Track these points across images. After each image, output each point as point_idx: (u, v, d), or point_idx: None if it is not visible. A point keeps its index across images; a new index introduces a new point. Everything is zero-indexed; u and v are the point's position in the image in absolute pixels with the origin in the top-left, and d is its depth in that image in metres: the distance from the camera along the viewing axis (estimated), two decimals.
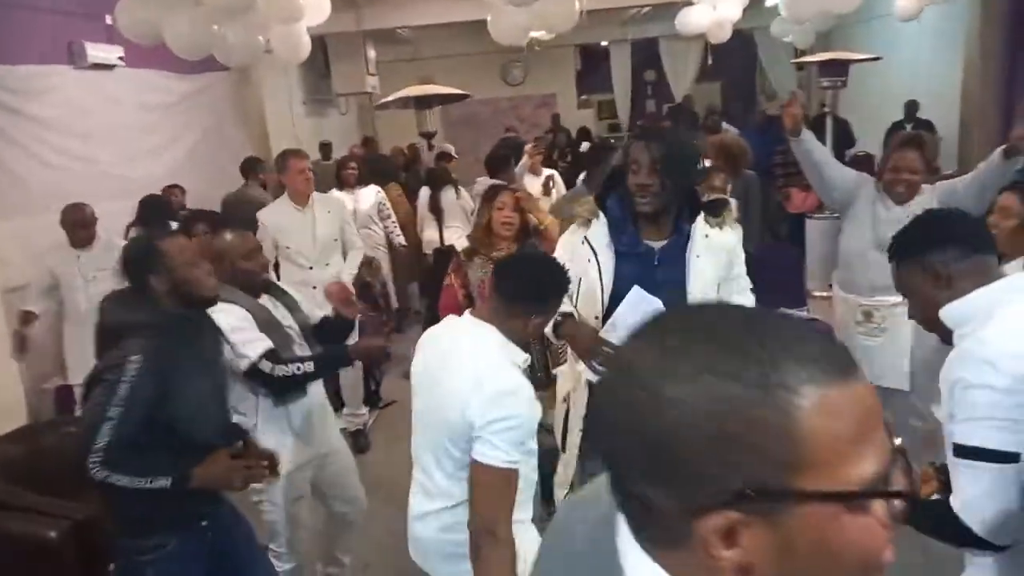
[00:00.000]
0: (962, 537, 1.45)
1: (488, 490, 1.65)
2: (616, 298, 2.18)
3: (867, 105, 9.01)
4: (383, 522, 3.61)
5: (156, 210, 5.10)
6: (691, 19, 6.23)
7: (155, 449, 1.95)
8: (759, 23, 9.25)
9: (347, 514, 2.97)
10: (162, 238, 2.15)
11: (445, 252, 5.58)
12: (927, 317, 1.61)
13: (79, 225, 4.12)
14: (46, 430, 3.44)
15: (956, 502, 1.46)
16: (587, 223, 2.25)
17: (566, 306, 2.21)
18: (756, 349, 0.54)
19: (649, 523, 0.58)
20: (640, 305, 2.09)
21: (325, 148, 9.63)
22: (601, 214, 2.23)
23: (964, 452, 1.43)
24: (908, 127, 8.05)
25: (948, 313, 1.52)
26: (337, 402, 4.30)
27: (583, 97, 12.92)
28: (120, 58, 5.74)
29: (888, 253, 1.70)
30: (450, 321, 1.98)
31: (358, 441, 4.41)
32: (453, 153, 7.90)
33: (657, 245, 2.17)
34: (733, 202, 2.31)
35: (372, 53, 10.05)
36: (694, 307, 0.66)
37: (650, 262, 2.18)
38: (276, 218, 4.28)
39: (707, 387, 0.53)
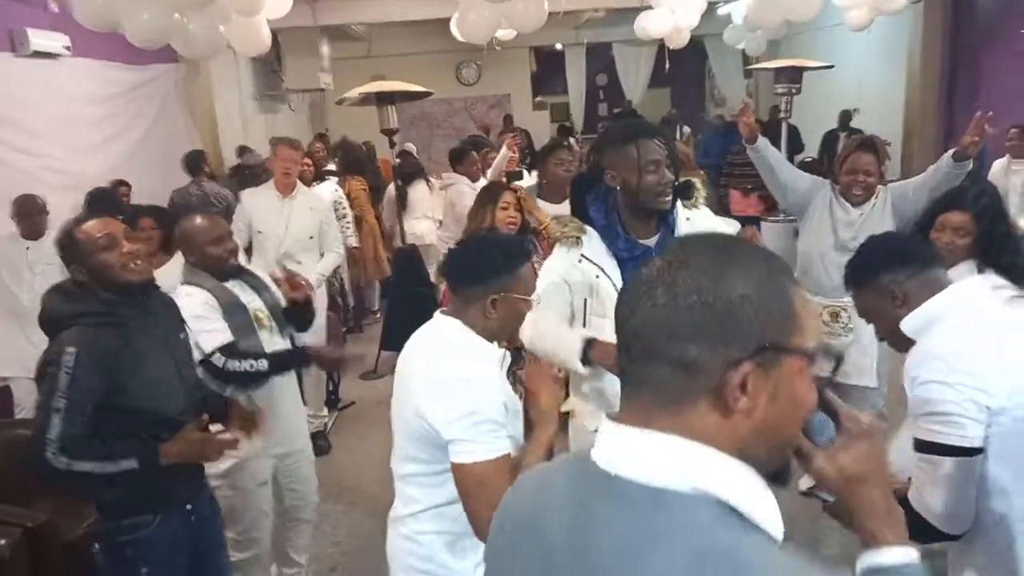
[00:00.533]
0: (920, 529, 1.48)
1: (477, 487, 1.53)
2: None
3: (813, 112, 9.26)
4: (347, 525, 3.56)
5: (103, 204, 4.92)
6: (649, 24, 6.29)
7: (116, 434, 1.94)
8: (710, 30, 9.42)
9: (299, 508, 2.94)
10: (78, 224, 2.05)
11: (406, 251, 5.54)
12: (892, 335, 1.67)
13: (30, 214, 3.97)
14: None
15: (913, 494, 1.52)
16: (577, 241, 2.15)
17: (584, 331, 2.11)
18: (763, 257, 0.78)
19: (672, 385, 0.74)
20: None
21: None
22: (589, 228, 2.14)
23: (921, 447, 1.49)
24: (842, 136, 8.34)
25: (907, 325, 1.59)
26: None
27: (537, 99, 12.96)
28: (66, 47, 5.51)
29: (844, 283, 1.77)
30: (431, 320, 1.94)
31: (318, 443, 4.33)
32: (414, 153, 7.85)
33: (651, 242, 2.12)
34: (698, 181, 2.27)
35: (326, 49, 9.91)
36: (706, 235, 0.85)
37: (639, 263, 2.15)
38: (256, 200, 4.24)
39: (753, 273, 0.75)
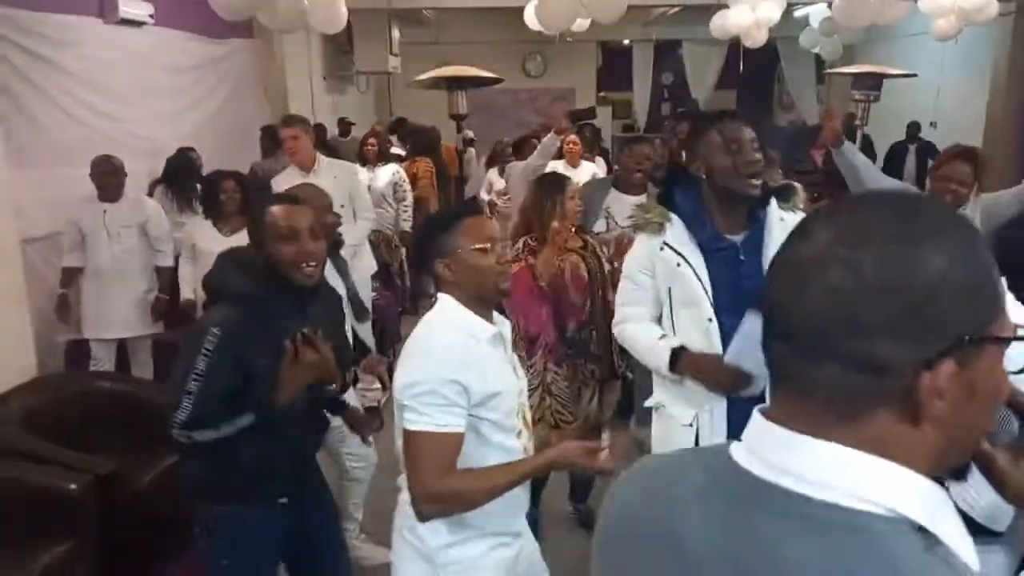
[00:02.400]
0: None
1: (414, 455, 1.57)
2: (718, 299, 2.02)
3: (886, 123, 9.02)
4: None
5: (183, 169, 5.06)
6: (728, 21, 6.18)
7: (236, 403, 1.88)
8: (784, 33, 9.22)
9: (357, 469, 3.00)
10: (279, 202, 1.99)
11: None
12: None
13: (110, 174, 4.06)
14: (68, 380, 3.39)
15: (955, 488, 1.46)
16: (660, 228, 2.08)
17: (674, 340, 2.05)
18: (957, 220, 0.64)
19: (848, 388, 0.61)
20: (756, 332, 1.94)
21: (344, 125, 9.59)
22: (674, 217, 2.07)
23: None
24: (911, 148, 8.09)
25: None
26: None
27: (601, 94, 12.86)
28: (150, 15, 5.66)
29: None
30: None
31: (372, 419, 4.37)
32: (473, 137, 7.86)
33: (738, 238, 2.04)
34: (799, 187, 2.19)
35: (396, 33, 9.98)
36: (881, 193, 0.69)
37: (735, 257, 2.03)
38: (281, 183, 4.20)
39: (951, 241, 0.60)
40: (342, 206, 4.23)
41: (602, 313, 3.04)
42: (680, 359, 2.02)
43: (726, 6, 6.36)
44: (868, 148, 7.97)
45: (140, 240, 4.19)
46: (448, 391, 1.55)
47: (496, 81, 5.31)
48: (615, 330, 2.26)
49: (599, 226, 3.70)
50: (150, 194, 4.89)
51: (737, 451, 0.69)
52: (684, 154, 3.56)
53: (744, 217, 2.05)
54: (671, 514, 0.71)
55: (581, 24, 6.20)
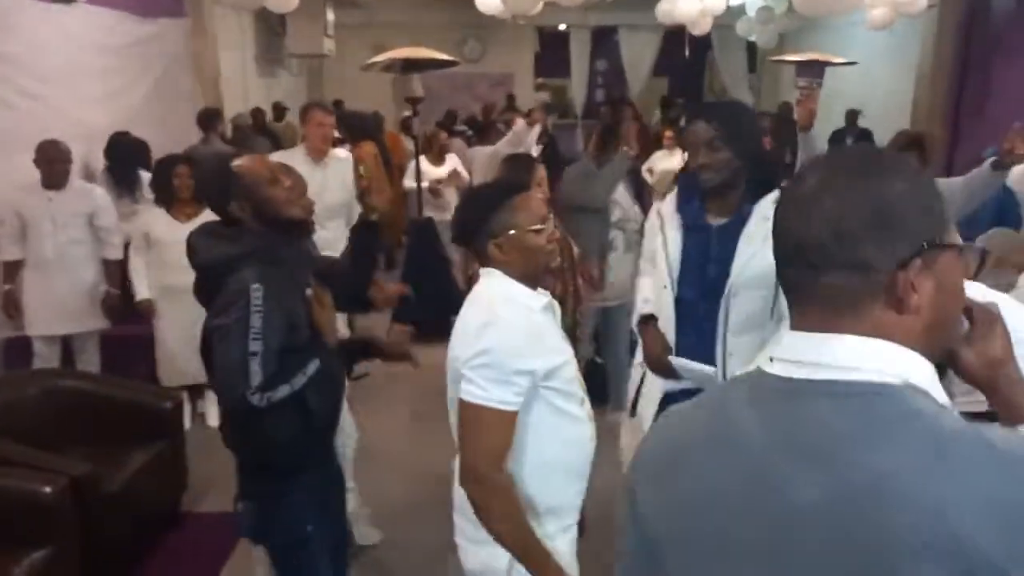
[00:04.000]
0: None
1: (469, 431, 1.56)
2: (684, 270, 2.16)
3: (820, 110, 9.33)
4: (377, 492, 3.52)
5: (127, 154, 4.81)
6: (675, 8, 6.26)
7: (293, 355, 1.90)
8: (717, 21, 9.41)
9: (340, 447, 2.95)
10: (232, 159, 1.99)
11: (421, 222, 5.49)
12: None
13: (56, 161, 3.82)
14: (27, 380, 3.19)
15: None
16: (662, 196, 2.31)
17: (649, 303, 2.31)
18: (906, 161, 0.86)
19: (847, 290, 0.78)
20: (704, 376, 2.12)
21: (279, 109, 9.33)
22: (676, 187, 2.25)
23: None
24: (849, 135, 8.42)
25: None
26: None
27: (539, 80, 12.87)
28: None
29: None
30: None
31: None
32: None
33: (717, 222, 2.14)
34: None
35: (331, 15, 9.74)
36: (846, 150, 0.96)
37: (705, 239, 2.15)
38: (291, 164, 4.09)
39: (904, 173, 0.81)
40: (341, 205, 4.13)
41: (572, 300, 3.06)
42: (643, 328, 2.31)
43: None
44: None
45: (87, 230, 3.96)
46: (508, 366, 1.53)
47: (452, 64, 5.23)
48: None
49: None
50: (104, 180, 4.63)
51: (769, 366, 0.83)
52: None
53: (731, 204, 2.13)
54: (726, 426, 0.84)
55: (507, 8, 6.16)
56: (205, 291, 1.92)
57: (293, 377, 1.84)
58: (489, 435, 1.55)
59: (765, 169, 2.17)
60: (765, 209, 2.07)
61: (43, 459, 2.59)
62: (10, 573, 2.30)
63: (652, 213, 2.37)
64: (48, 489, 2.44)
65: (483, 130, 5.52)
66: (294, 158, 4.07)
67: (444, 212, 5.66)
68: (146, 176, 4.67)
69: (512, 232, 1.63)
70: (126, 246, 4.10)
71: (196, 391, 4.20)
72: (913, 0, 5.86)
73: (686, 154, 2.24)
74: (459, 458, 1.59)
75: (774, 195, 2.07)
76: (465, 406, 1.56)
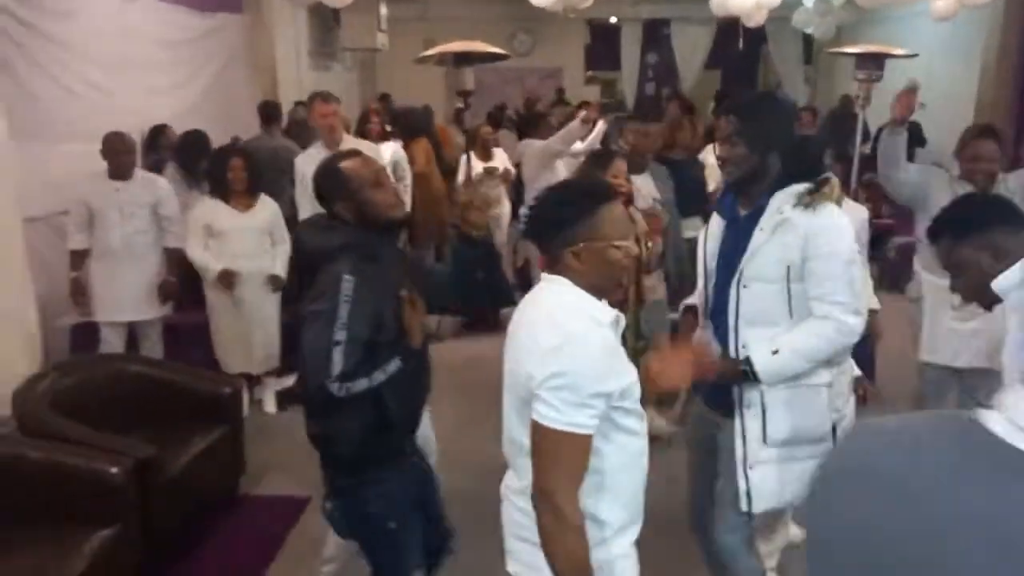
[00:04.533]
0: None
1: (544, 453, 1.50)
2: (721, 262, 2.18)
3: (875, 103, 9.10)
4: None
5: (196, 146, 4.94)
6: (729, 0, 6.16)
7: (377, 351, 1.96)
8: (773, 13, 9.24)
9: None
10: (342, 160, 2.09)
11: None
12: (977, 289, 1.75)
13: (123, 152, 3.94)
14: (95, 365, 3.31)
15: None
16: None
17: (691, 298, 2.35)
18: None
19: None
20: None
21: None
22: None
23: None
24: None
25: (1000, 283, 1.61)
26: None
27: (589, 73, 12.79)
28: None
29: (933, 232, 1.84)
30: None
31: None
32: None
33: (744, 213, 2.14)
34: (835, 180, 2.18)
35: (384, 9, 9.82)
36: None
37: (735, 229, 2.15)
38: (312, 165, 4.10)
39: None
40: None
41: (635, 301, 3.05)
42: (683, 315, 2.40)
43: None
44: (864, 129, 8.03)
45: (151, 220, 4.08)
46: (587, 390, 1.48)
47: (503, 57, 5.23)
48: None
49: None
50: (153, 171, 4.75)
51: (993, 422, 0.69)
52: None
53: (755, 198, 2.09)
54: (903, 469, 0.72)
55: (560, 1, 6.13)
56: (302, 280, 2.07)
57: (373, 372, 1.89)
58: (568, 460, 1.50)
59: (799, 162, 2.09)
60: (780, 202, 2.03)
61: (109, 441, 2.69)
62: (79, 550, 2.38)
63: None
64: (115, 470, 2.52)
65: (529, 123, 5.49)
66: (316, 156, 3.97)
67: (495, 206, 5.68)
68: None
69: (594, 243, 1.57)
70: None
71: (254, 379, 4.31)
72: None
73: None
74: (534, 482, 1.54)
75: (794, 188, 2.03)
76: (542, 430, 1.50)
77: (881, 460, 0.76)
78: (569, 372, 1.47)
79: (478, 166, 5.58)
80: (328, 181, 2.06)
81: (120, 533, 2.50)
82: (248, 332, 4.10)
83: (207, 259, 4.01)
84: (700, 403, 2.33)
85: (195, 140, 4.96)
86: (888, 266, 6.86)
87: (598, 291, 1.61)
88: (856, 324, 2.00)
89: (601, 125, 4.01)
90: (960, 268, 1.78)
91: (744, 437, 2.06)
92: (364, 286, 1.88)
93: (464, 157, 5.58)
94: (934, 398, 3.45)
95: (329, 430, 1.95)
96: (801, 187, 2.02)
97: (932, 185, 3.22)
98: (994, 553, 0.64)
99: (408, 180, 5.75)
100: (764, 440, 2.05)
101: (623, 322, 1.65)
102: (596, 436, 1.53)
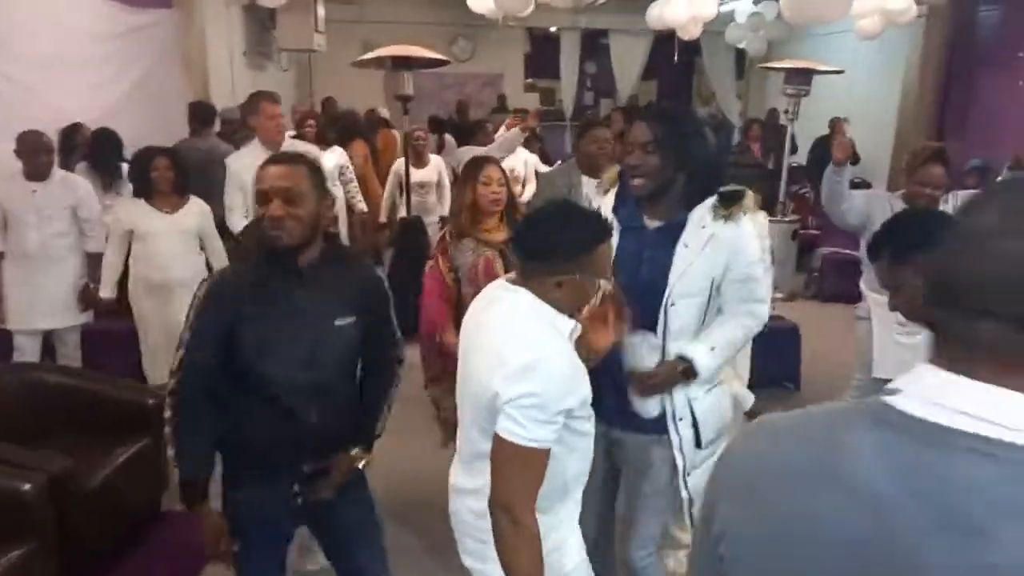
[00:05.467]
0: None
1: (506, 467, 1.55)
2: (617, 271, 2.06)
3: (800, 116, 9.40)
4: None
5: (109, 145, 4.74)
6: (665, 13, 6.28)
7: (216, 419, 1.89)
8: (707, 27, 9.47)
9: None
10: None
11: (409, 221, 5.47)
12: (915, 308, 1.78)
13: (40, 152, 3.75)
14: (6, 374, 3.14)
15: None
16: (605, 192, 2.21)
17: None
18: None
19: (1010, 346, 0.68)
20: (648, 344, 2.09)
21: None
22: (618, 184, 2.17)
23: None
24: (833, 142, 8.47)
25: None
26: None
27: (528, 81, 12.86)
28: None
29: (872, 252, 1.86)
30: (491, 285, 1.85)
31: None
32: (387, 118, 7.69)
33: (653, 224, 2.09)
34: (750, 192, 2.22)
35: (321, 10, 9.68)
36: None
37: (639, 239, 2.09)
38: (246, 162, 3.90)
39: None
40: None
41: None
42: None
43: None
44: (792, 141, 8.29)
45: (70, 223, 3.90)
46: (553, 408, 1.52)
47: (443, 63, 5.22)
48: None
49: None
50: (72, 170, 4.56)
51: (903, 402, 0.73)
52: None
53: (666, 208, 2.06)
54: (837, 457, 0.73)
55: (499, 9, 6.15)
56: None
57: (179, 434, 1.90)
58: (528, 473, 1.54)
59: (707, 177, 2.08)
60: (700, 217, 2.03)
61: (22, 455, 2.56)
62: None
63: (604, 202, 2.25)
64: (27, 486, 2.40)
65: (467, 130, 5.49)
66: (252, 155, 3.89)
67: (430, 214, 5.65)
68: (127, 168, 4.61)
69: (584, 278, 1.61)
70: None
71: None
72: (903, 10, 5.91)
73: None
74: (493, 494, 1.57)
75: (710, 202, 2.03)
76: (505, 445, 1.53)
77: (796, 454, 0.78)
78: (539, 393, 1.50)
79: (414, 173, 5.53)
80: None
81: (35, 551, 2.37)
82: (172, 340, 3.95)
83: (108, 274, 3.90)
84: (623, 433, 2.18)
85: (107, 139, 4.73)
86: (814, 275, 7.09)
87: (558, 307, 1.63)
88: (767, 311, 2.15)
89: (515, 131, 4.01)
90: (899, 287, 1.80)
91: (682, 449, 2.09)
92: (215, 295, 1.87)
93: (399, 162, 5.55)
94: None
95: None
96: (713, 199, 2.04)
97: (875, 209, 3.30)
98: (943, 526, 0.66)
99: (355, 183, 5.65)
100: (698, 445, 2.09)
101: (578, 331, 1.67)
102: (556, 445, 1.57)
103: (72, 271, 3.96)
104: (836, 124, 3.57)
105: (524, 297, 1.61)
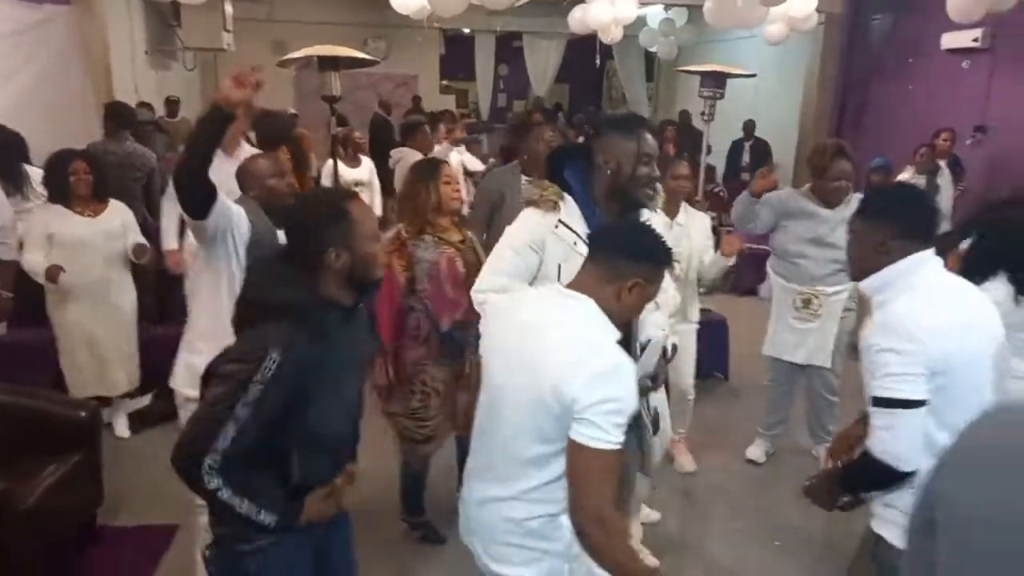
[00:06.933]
0: (879, 475, 1.75)
1: (591, 475, 1.54)
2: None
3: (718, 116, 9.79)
4: None
5: (11, 147, 4.44)
6: (588, 16, 6.42)
7: (267, 471, 1.63)
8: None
9: None
10: (348, 200, 1.68)
11: None
12: (853, 260, 1.92)
13: None
14: None
15: (874, 444, 1.74)
16: (555, 206, 2.10)
17: None
18: None
19: None
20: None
21: (172, 104, 8.89)
22: (567, 196, 2.12)
23: (879, 403, 1.73)
24: (747, 144, 8.89)
25: (868, 284, 1.84)
26: None
27: (444, 82, 12.84)
28: None
29: (860, 207, 1.95)
30: (525, 293, 1.89)
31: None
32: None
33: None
34: (659, 187, 2.36)
35: (229, 8, 9.37)
36: None
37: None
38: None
39: None
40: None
41: None
42: None
43: (581, 0, 6.60)
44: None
45: None
46: (629, 412, 1.55)
47: (372, 63, 5.14)
48: (479, 297, 2.16)
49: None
50: None
51: None
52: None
53: (620, 209, 2.14)
54: None
55: (425, 9, 6.16)
56: (240, 325, 1.66)
57: (247, 503, 1.58)
58: (612, 476, 1.56)
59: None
60: (646, 212, 2.21)
61: None
62: None
63: (540, 229, 2.18)
64: None
65: (407, 131, 5.45)
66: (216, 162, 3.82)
67: None
68: (33, 172, 4.34)
69: (647, 286, 1.67)
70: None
71: (103, 400, 3.96)
72: (806, 17, 6.24)
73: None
74: (578, 503, 1.55)
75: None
76: (588, 451, 1.52)
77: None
78: (621, 397, 1.54)
79: (347, 172, 5.44)
80: (324, 221, 1.65)
81: None
82: (103, 352, 3.76)
83: (38, 261, 3.53)
84: None
85: (9, 141, 4.44)
86: (732, 269, 7.37)
87: (611, 316, 1.66)
88: None
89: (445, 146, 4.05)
90: (856, 236, 1.91)
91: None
92: (292, 369, 1.53)
93: (330, 163, 5.44)
94: (779, 388, 3.78)
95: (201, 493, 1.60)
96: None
97: (789, 208, 3.48)
98: None
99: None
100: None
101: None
102: None
103: None
104: (768, 166, 3.77)
105: (591, 305, 1.64)
